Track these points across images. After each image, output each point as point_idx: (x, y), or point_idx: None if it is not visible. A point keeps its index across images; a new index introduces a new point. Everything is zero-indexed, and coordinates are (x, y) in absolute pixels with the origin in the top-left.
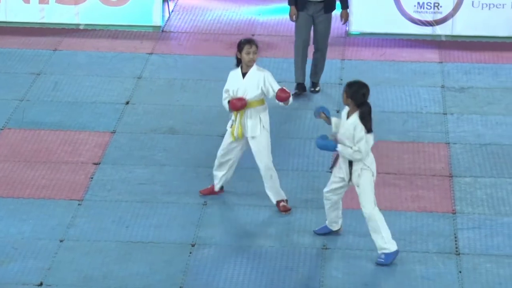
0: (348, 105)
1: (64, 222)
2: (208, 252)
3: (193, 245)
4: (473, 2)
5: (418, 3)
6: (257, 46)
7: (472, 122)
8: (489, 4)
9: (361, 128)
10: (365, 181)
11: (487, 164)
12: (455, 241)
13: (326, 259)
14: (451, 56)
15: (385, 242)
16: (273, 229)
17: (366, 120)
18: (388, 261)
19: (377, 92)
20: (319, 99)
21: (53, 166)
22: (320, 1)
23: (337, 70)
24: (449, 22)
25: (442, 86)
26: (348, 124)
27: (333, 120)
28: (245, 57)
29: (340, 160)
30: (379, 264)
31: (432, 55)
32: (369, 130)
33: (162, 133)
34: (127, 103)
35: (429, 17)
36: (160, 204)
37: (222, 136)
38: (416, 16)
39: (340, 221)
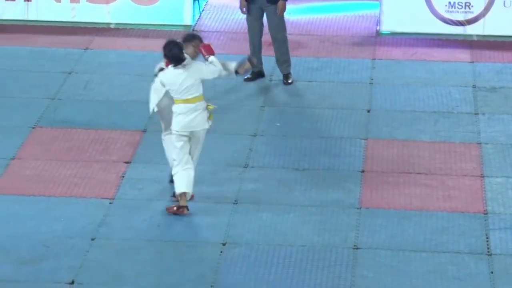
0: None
1: (95, 221)
2: (239, 251)
3: (224, 244)
4: (504, 1)
5: (450, 2)
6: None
7: (503, 122)
8: None
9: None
10: None
11: None
12: (487, 241)
13: (357, 258)
14: (483, 56)
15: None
16: (304, 228)
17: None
18: None
19: (408, 91)
20: (348, 98)
21: (84, 165)
22: None
23: (367, 70)
24: (481, 21)
25: (474, 86)
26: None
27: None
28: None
29: None
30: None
31: (463, 55)
32: None
33: None
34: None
35: (460, 17)
36: (191, 203)
37: (253, 135)
38: (447, 15)
39: None
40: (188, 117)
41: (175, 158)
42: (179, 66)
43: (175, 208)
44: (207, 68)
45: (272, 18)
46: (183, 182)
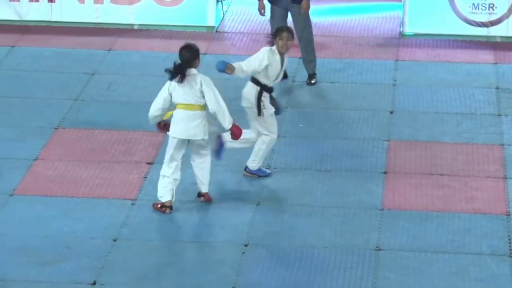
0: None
1: (117, 222)
2: (260, 253)
3: (246, 245)
4: None
5: (473, 4)
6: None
7: None
8: None
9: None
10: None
11: None
12: (509, 243)
13: (379, 259)
14: (506, 57)
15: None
16: (326, 230)
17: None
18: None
19: (431, 93)
20: (371, 100)
21: (107, 166)
22: None
23: (391, 71)
24: (504, 23)
25: (497, 88)
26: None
27: (237, 64)
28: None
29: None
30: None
31: (486, 56)
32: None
33: (215, 132)
34: None
35: (484, 18)
36: (213, 204)
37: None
38: (470, 17)
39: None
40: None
41: None
42: (176, 80)
43: (159, 205)
44: (210, 98)
45: (297, 18)
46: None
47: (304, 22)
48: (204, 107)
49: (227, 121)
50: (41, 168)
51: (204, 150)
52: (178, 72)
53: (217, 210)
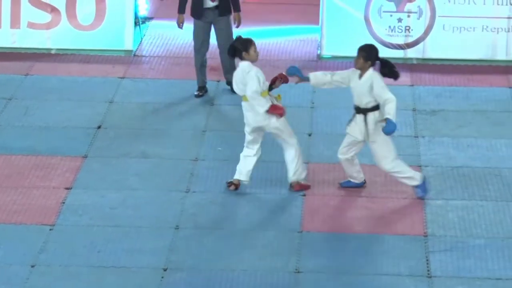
0: (362, 68)
1: (35, 248)
2: (180, 276)
3: (165, 270)
4: (444, 25)
5: (390, 26)
6: None
7: (443, 145)
8: (460, 28)
9: (379, 80)
10: (381, 135)
11: (459, 187)
12: (427, 264)
13: (299, 282)
14: (423, 79)
15: (414, 179)
16: (246, 253)
17: (391, 67)
18: (424, 191)
19: (349, 115)
20: (290, 122)
21: (24, 191)
22: (216, 7)
23: (309, 93)
24: (421, 45)
25: (414, 109)
26: (363, 82)
27: (313, 75)
28: (253, 54)
29: (357, 117)
30: (420, 197)
31: (403, 78)
32: (397, 76)
33: (134, 157)
34: (99, 127)
35: (400, 41)
36: (132, 228)
37: (195, 159)
38: (387, 39)
39: (361, 175)
40: None
41: None
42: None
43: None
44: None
45: (222, 32)
46: None
47: (228, 36)
48: None
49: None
50: None
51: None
52: None
53: (136, 234)
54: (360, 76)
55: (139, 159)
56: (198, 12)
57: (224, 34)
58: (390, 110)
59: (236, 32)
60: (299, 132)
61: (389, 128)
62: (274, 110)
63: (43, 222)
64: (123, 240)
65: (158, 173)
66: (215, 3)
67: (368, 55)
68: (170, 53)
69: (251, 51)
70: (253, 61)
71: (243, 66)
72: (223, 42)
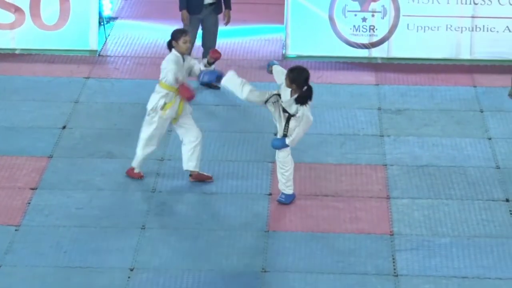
0: (292, 88)
1: (1, 248)
2: (147, 277)
3: (131, 270)
4: (408, 24)
5: (354, 26)
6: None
7: (408, 144)
8: (424, 27)
9: (296, 108)
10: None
11: (424, 186)
12: (393, 262)
13: (265, 281)
14: (387, 78)
15: (287, 186)
16: (212, 253)
17: (302, 101)
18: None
19: (315, 114)
20: (255, 122)
21: None
22: (212, 4)
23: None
24: (385, 44)
25: (379, 108)
26: (290, 101)
27: (275, 69)
28: (182, 46)
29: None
30: (280, 202)
31: (368, 77)
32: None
33: (100, 157)
34: (64, 127)
35: (365, 40)
36: (98, 228)
37: (161, 159)
38: (352, 39)
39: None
40: None
41: None
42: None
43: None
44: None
45: (213, 28)
46: None
47: (214, 34)
48: None
49: None
50: None
51: None
52: None
53: (102, 234)
54: (291, 93)
55: (104, 159)
56: (198, 8)
57: (211, 31)
58: (295, 135)
59: (201, 32)
60: (265, 132)
61: (277, 143)
62: (182, 91)
63: (9, 222)
64: (89, 240)
65: (124, 173)
66: (213, 0)
67: (294, 77)
68: (135, 53)
69: (181, 42)
70: (182, 52)
71: (168, 56)
72: (209, 42)
